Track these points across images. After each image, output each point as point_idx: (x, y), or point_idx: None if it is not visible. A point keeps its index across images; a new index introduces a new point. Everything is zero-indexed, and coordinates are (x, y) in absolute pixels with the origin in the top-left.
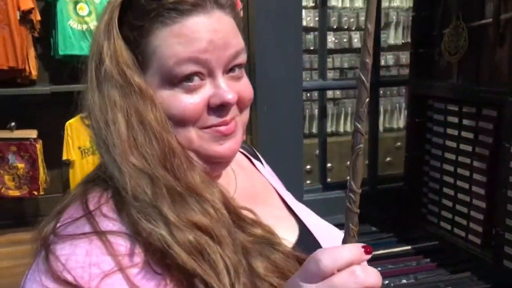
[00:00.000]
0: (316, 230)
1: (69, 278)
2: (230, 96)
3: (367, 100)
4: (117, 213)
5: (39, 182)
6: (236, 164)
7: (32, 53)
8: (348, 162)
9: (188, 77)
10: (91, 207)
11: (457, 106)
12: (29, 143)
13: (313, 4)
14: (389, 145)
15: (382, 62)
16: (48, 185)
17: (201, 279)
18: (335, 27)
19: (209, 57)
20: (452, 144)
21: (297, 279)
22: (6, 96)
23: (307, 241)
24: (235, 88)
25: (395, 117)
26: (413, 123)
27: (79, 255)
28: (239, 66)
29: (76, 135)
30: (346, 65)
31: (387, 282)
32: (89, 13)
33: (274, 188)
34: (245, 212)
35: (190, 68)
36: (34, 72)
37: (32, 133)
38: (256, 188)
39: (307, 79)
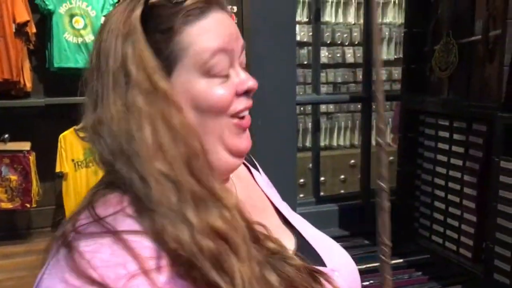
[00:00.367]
0: (313, 240)
1: (95, 275)
2: (252, 82)
3: (388, 161)
4: (139, 218)
5: (32, 195)
6: (234, 174)
7: (27, 65)
8: (342, 176)
9: (221, 68)
10: (111, 210)
11: (448, 120)
12: (22, 156)
13: (307, 20)
14: None
15: (375, 77)
16: (40, 198)
17: None
18: (328, 42)
19: (232, 47)
20: (443, 158)
21: None
22: (0, 108)
23: (306, 251)
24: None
25: (388, 132)
26: (405, 138)
27: (103, 253)
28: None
29: (70, 147)
30: (339, 79)
31: None
32: (85, 26)
33: (269, 198)
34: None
35: (222, 58)
36: (28, 84)
37: (25, 146)
38: (252, 199)
39: (301, 93)
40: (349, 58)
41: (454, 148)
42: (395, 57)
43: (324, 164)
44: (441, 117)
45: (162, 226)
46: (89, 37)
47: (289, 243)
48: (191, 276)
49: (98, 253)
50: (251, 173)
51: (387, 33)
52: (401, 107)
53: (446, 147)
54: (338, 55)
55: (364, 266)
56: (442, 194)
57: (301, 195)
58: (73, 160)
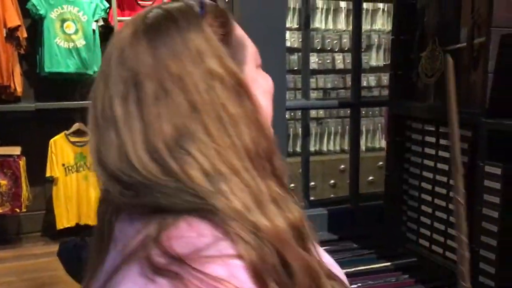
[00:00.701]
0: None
1: None
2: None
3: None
4: (224, 235)
5: (22, 199)
6: None
7: (17, 70)
8: (332, 181)
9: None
10: (207, 239)
11: (434, 126)
12: (13, 160)
13: (297, 26)
14: (371, 164)
15: (364, 83)
16: (30, 202)
17: None
18: (318, 48)
19: None
20: (430, 163)
21: None
22: None
23: None
24: None
25: (377, 137)
26: (393, 143)
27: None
28: None
29: (60, 152)
30: (329, 85)
31: None
32: (76, 31)
33: None
34: None
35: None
36: (19, 89)
37: (16, 150)
38: None
39: (291, 98)
40: (339, 64)
41: (440, 153)
42: (384, 63)
43: (314, 169)
44: (427, 122)
45: (246, 239)
46: (80, 42)
47: None
48: None
49: (234, 278)
50: None
51: (376, 40)
52: (388, 113)
53: (433, 152)
54: (328, 61)
55: (352, 269)
56: (429, 198)
57: None
58: (63, 165)
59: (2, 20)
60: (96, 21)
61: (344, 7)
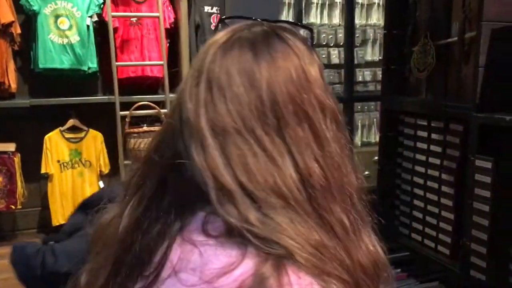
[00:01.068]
0: None
1: None
2: None
3: None
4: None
5: (17, 196)
6: None
7: (11, 66)
8: None
9: None
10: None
11: (426, 120)
12: (7, 157)
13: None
14: (366, 159)
15: (360, 78)
16: (25, 199)
17: None
18: (314, 43)
19: None
20: (422, 157)
21: None
22: None
23: None
24: None
25: (372, 132)
26: (385, 137)
27: None
28: None
29: (55, 148)
30: None
31: None
32: (70, 27)
33: None
34: None
35: None
36: (13, 85)
37: (10, 147)
38: None
39: None
40: (334, 59)
41: (432, 147)
42: (380, 58)
43: None
44: (419, 117)
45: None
46: (74, 38)
47: None
48: None
49: None
50: None
51: (371, 35)
52: (381, 107)
53: (425, 146)
54: (323, 56)
55: None
56: (421, 192)
57: None
58: (58, 161)
59: None
60: (90, 16)
61: (339, 2)
